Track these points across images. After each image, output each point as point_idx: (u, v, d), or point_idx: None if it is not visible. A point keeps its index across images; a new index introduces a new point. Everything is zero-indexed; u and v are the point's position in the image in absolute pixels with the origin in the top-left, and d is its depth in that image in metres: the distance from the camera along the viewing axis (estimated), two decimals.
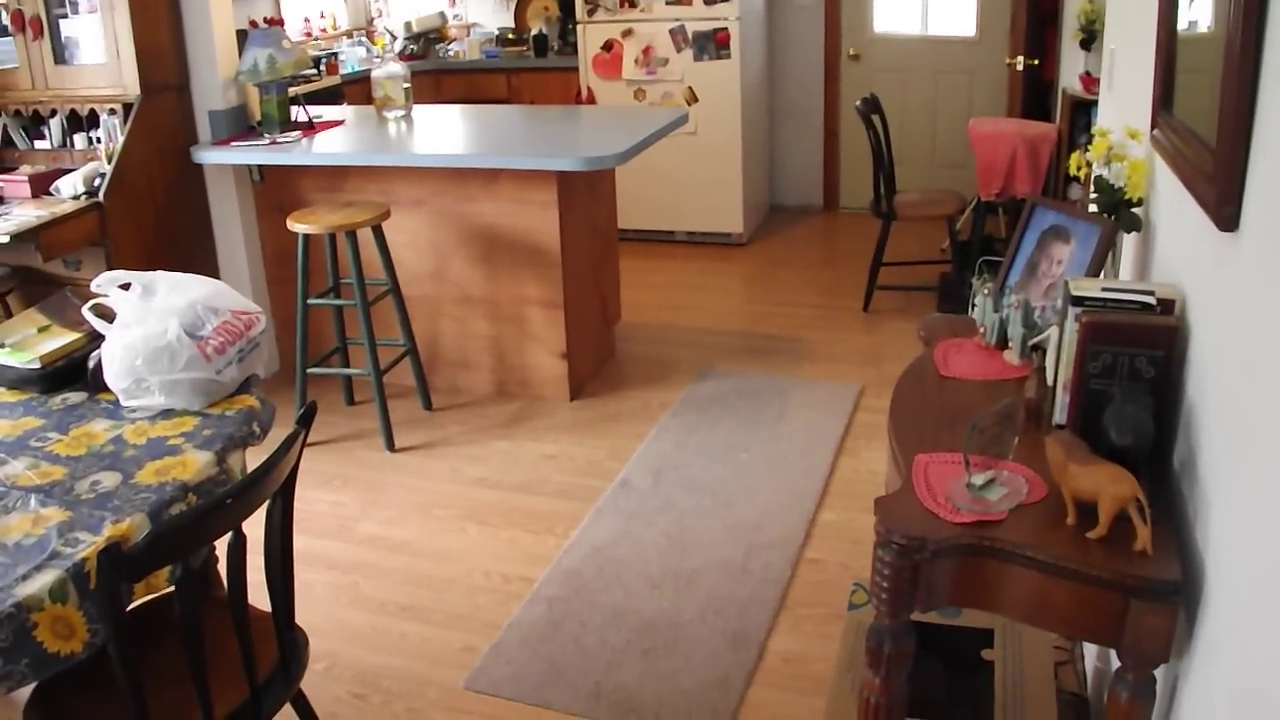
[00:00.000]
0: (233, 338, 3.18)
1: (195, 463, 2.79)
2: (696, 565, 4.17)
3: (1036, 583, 2.16)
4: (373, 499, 4.86)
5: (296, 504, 4.67)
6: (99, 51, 5.48)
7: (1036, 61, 7.94)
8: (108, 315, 3.19)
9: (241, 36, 5.85)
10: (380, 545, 4.51)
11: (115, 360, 3.04)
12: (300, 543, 4.39)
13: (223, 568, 2.70)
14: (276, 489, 2.56)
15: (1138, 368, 2.39)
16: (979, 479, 2.34)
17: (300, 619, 3.93)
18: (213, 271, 6.00)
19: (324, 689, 3.65)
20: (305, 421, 2.62)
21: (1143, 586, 2.05)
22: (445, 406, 5.74)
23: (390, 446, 5.30)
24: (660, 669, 3.61)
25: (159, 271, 3.37)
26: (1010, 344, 3.11)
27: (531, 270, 5.52)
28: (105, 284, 3.19)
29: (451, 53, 9.15)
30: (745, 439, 5.15)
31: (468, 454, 5.21)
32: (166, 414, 3.04)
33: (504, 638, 3.83)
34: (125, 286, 3.24)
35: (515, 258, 5.53)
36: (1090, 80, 6.53)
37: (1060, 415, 2.60)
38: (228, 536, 2.43)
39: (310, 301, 5.29)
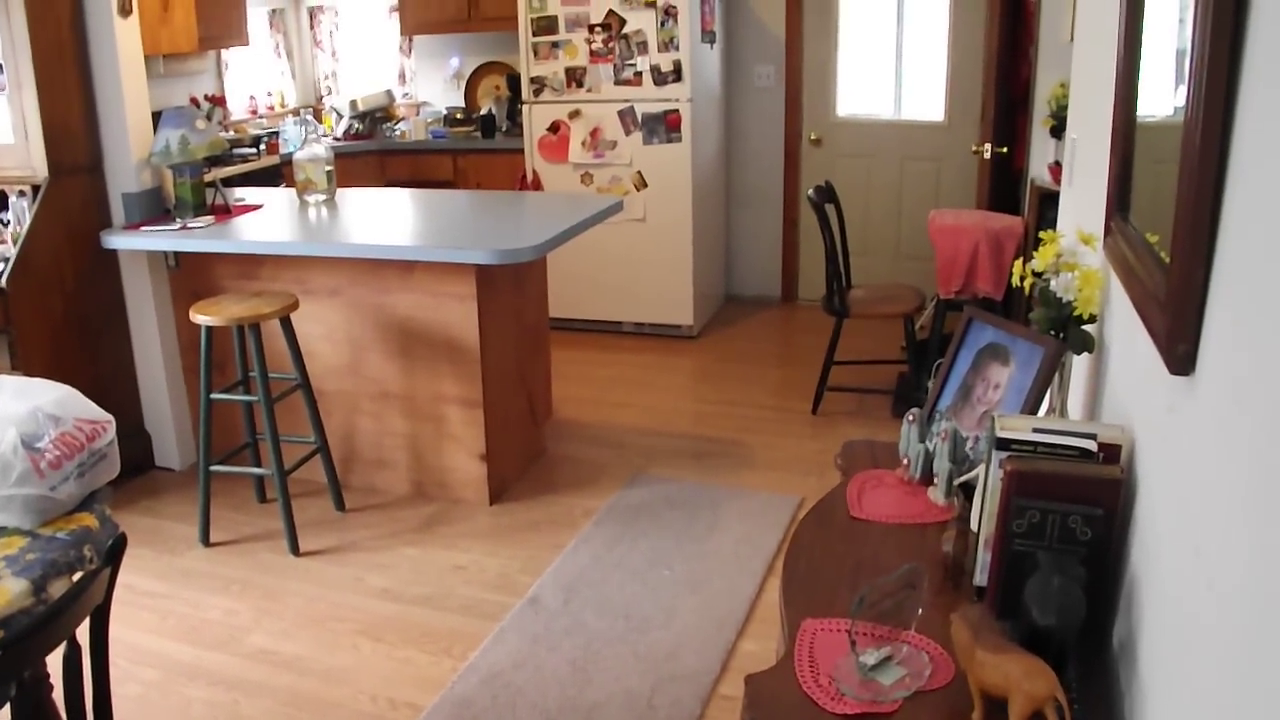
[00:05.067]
0: (71, 451, 2.85)
1: (8, 593, 2.46)
2: (598, 698, 3.81)
3: None
4: (268, 608, 4.53)
5: (189, 610, 4.45)
6: (6, 130, 5.20)
7: (1005, 150, 7.68)
8: None
9: (158, 117, 5.55)
10: (268, 660, 4.17)
11: None
12: (187, 655, 4.17)
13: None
14: (67, 636, 2.21)
15: (1071, 528, 2.06)
16: (871, 657, 2.01)
17: None
18: (127, 360, 5.73)
19: None
20: (111, 558, 2.29)
21: None
22: (359, 507, 5.40)
23: (294, 550, 4.96)
24: None
25: (2, 376, 3.06)
26: (936, 479, 2.79)
27: (449, 366, 5.20)
28: None
29: (398, 132, 8.87)
30: (670, 554, 4.80)
31: (374, 561, 4.87)
32: None
33: None
34: None
35: (433, 353, 5.22)
36: (1059, 170, 6.25)
37: (982, 576, 2.28)
38: None
39: (214, 396, 4.97)
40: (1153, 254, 1.97)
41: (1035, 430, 2.23)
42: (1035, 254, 2.96)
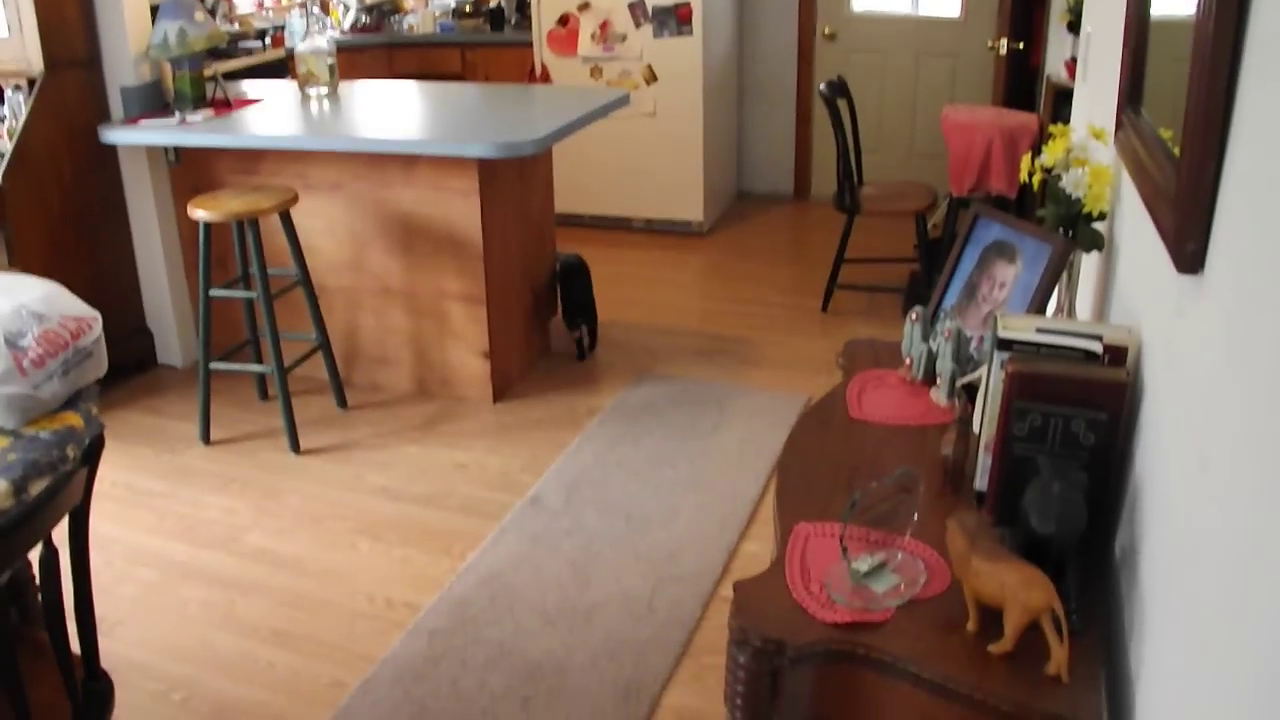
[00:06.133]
0: (55, 349, 2.79)
1: None
2: (597, 599, 3.78)
3: (922, 704, 1.77)
4: (267, 507, 4.50)
5: (187, 509, 4.43)
6: (0, 23, 5.07)
7: (1022, 45, 7.51)
8: None
9: (157, 11, 5.43)
10: (265, 560, 4.15)
11: None
12: (184, 554, 4.14)
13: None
14: (41, 538, 2.15)
15: (1074, 433, 1.98)
16: (864, 563, 1.94)
17: (169, 640, 3.70)
18: (127, 257, 5.67)
19: None
20: (89, 458, 2.23)
21: None
22: (362, 405, 5.36)
23: (295, 448, 4.93)
24: None
25: None
26: (939, 380, 2.72)
27: (452, 262, 5.13)
28: None
29: (406, 25, 8.72)
30: (673, 454, 4.75)
31: (375, 459, 4.83)
32: None
33: (376, 674, 3.47)
34: None
35: (435, 248, 5.14)
36: (1075, 67, 6.10)
37: (982, 481, 2.21)
38: None
39: (213, 292, 4.89)
40: (1164, 149, 1.89)
41: (1039, 330, 2.15)
42: (1045, 149, 2.86)
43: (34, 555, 2.23)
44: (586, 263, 5.81)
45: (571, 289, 5.74)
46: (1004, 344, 2.14)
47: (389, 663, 3.52)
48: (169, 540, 4.30)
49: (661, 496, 4.41)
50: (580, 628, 3.64)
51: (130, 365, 5.67)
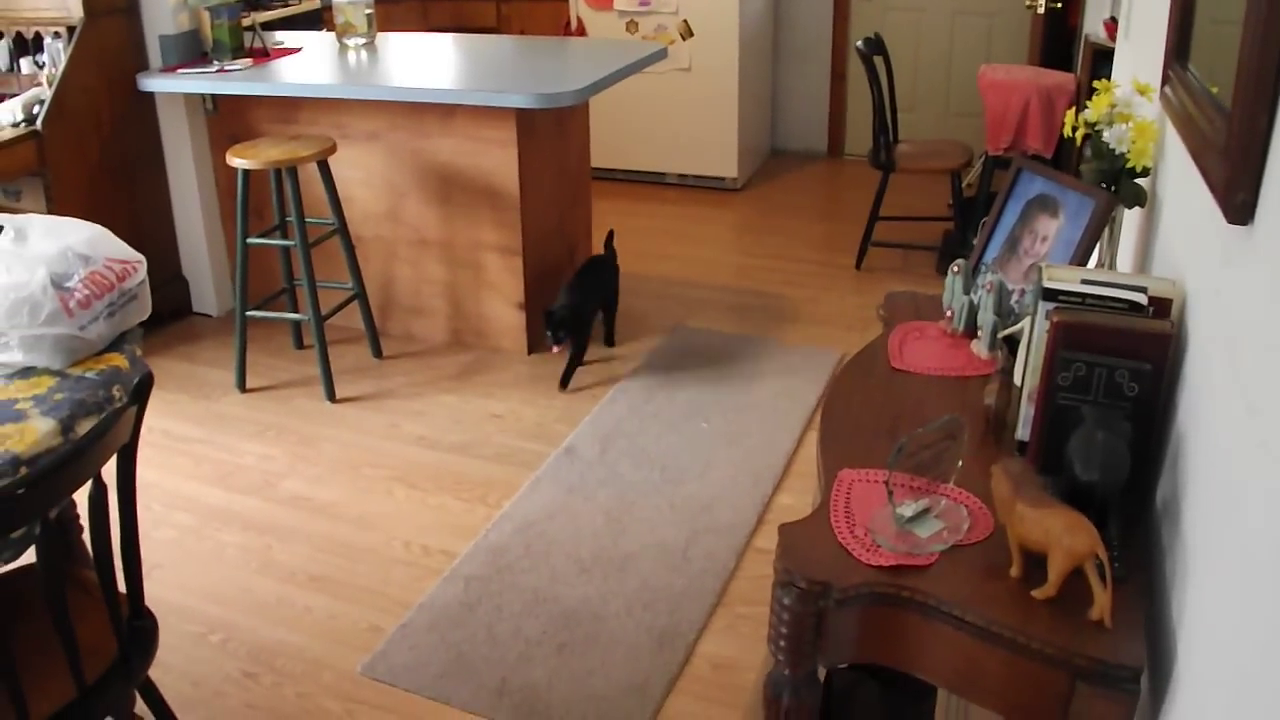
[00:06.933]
0: (101, 290, 2.81)
1: (35, 432, 2.42)
2: (632, 549, 3.81)
3: (965, 647, 1.77)
4: (303, 454, 4.53)
5: (224, 455, 4.46)
6: None
7: (1060, 4, 7.46)
8: None
9: None
10: (302, 506, 4.19)
11: None
12: (221, 499, 4.18)
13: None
14: (91, 475, 2.18)
15: (1118, 383, 1.97)
16: (908, 509, 1.95)
17: (207, 584, 3.74)
18: (164, 205, 5.70)
19: (215, 665, 3.39)
20: (137, 397, 2.26)
21: (1094, 669, 1.66)
22: (396, 355, 5.38)
23: (331, 397, 4.96)
24: (574, 668, 3.26)
25: (34, 215, 3.03)
26: (980, 333, 2.72)
27: (489, 213, 5.14)
28: None
29: None
30: (708, 407, 4.76)
31: (410, 408, 4.86)
32: (25, 372, 2.69)
33: (412, 619, 3.51)
34: None
35: (472, 199, 5.15)
36: (1115, 26, 6.06)
37: (1024, 430, 2.21)
38: None
39: (251, 241, 4.92)
40: (1215, 102, 1.88)
41: (1084, 281, 2.15)
42: (1089, 104, 2.84)
43: (80, 496, 2.25)
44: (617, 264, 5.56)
45: (592, 284, 5.32)
46: (1049, 294, 2.14)
47: (425, 608, 3.55)
48: (206, 486, 4.33)
49: (696, 449, 4.43)
50: (615, 576, 3.67)
51: (166, 313, 5.71)
